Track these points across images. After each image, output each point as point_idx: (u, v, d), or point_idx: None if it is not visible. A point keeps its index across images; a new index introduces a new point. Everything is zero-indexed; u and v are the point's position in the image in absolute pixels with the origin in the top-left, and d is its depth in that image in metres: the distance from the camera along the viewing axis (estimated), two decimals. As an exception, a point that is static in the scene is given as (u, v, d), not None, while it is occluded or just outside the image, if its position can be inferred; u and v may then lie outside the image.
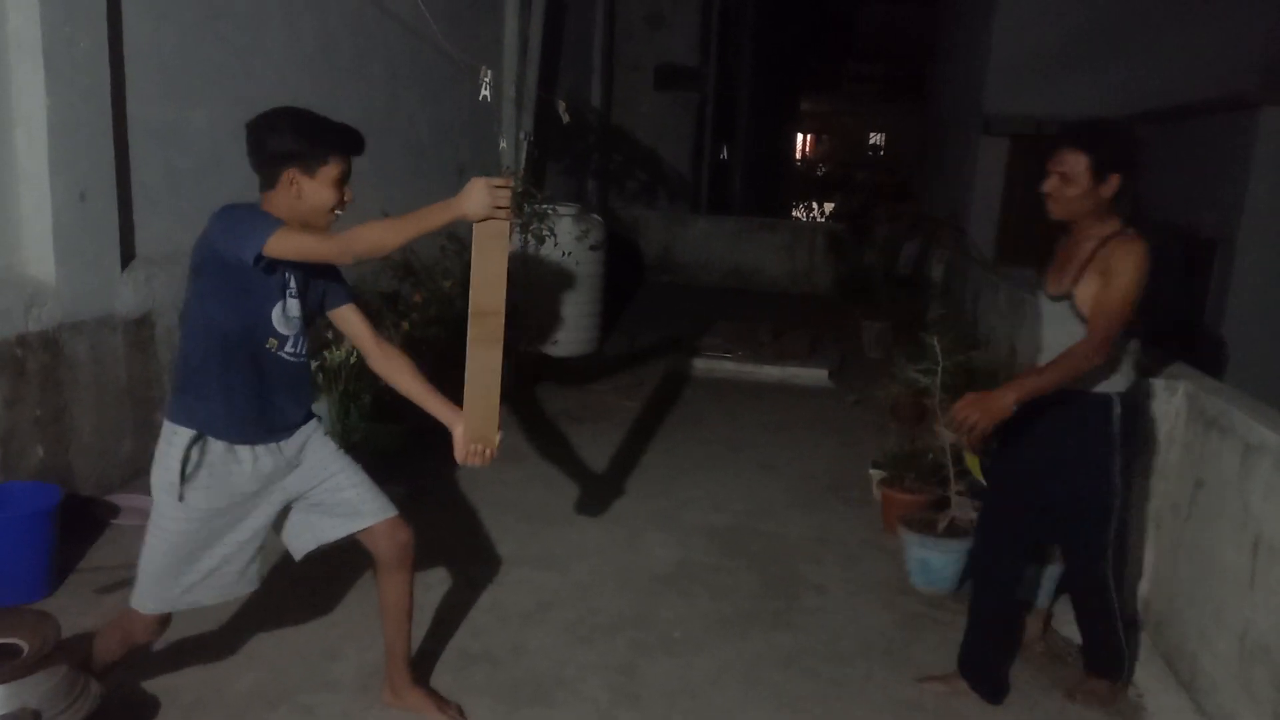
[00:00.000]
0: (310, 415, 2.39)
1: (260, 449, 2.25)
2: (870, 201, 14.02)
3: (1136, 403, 2.53)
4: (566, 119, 5.68)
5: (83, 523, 3.43)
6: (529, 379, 6.04)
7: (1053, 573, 3.15)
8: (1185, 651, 2.76)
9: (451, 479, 4.34)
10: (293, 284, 2.20)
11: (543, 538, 3.75)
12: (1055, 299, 2.50)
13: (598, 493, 4.26)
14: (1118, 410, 2.44)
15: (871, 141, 25.96)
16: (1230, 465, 2.55)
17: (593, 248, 6.72)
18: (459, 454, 2.29)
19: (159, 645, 2.71)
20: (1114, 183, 2.37)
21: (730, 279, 10.67)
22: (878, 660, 2.96)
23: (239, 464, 2.22)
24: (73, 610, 2.88)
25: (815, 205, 18.68)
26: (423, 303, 5.43)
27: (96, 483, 3.63)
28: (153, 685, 2.59)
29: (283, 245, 2.00)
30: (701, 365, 6.65)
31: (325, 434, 2.42)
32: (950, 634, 3.01)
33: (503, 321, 2.12)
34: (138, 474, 3.77)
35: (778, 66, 19.08)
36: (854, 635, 3.10)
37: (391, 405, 4.73)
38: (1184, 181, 6.65)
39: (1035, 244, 7.14)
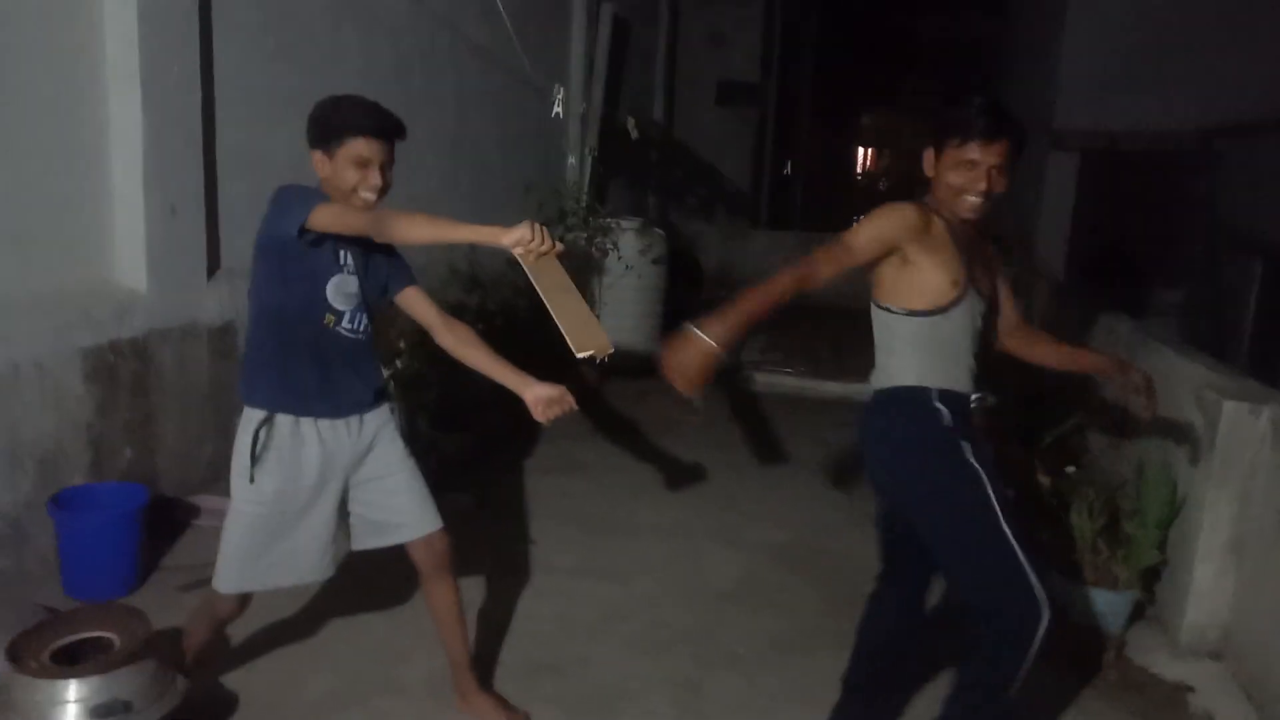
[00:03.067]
0: (380, 398, 2.43)
1: (325, 426, 2.30)
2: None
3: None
4: (635, 135, 5.75)
5: (166, 523, 3.55)
6: (591, 391, 6.10)
7: (1126, 599, 3.08)
8: (1266, 683, 2.67)
9: (516, 488, 4.41)
10: (348, 259, 2.26)
11: (606, 550, 3.78)
12: (989, 304, 2.23)
13: (660, 506, 4.28)
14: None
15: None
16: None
17: (655, 261, 6.78)
18: (537, 413, 2.30)
19: (236, 641, 2.81)
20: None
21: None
22: (941, 684, 2.92)
23: (305, 444, 2.28)
24: (155, 606, 2.96)
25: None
26: (487, 313, 5.53)
27: (179, 484, 3.76)
28: (231, 683, 2.68)
29: (321, 218, 2.07)
30: (762, 380, 6.64)
31: (396, 430, 2.46)
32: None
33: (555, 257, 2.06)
34: (217, 477, 3.89)
35: (838, 81, 18.97)
36: (916, 658, 3.06)
37: (458, 414, 4.84)
38: (1265, 197, 6.44)
39: (1106, 261, 7.01)
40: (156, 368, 3.62)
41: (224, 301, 3.95)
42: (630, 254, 6.52)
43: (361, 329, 2.32)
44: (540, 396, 2.30)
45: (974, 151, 2.09)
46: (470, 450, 4.69)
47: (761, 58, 12.63)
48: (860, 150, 26.74)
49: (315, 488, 2.31)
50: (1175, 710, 2.80)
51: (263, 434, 2.23)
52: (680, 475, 4.73)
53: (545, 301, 2.02)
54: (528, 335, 5.65)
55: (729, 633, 3.18)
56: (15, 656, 2.13)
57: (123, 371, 3.46)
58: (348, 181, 2.20)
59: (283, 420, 2.26)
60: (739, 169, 12.67)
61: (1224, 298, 6.60)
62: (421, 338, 4.62)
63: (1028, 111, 8.60)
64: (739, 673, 2.93)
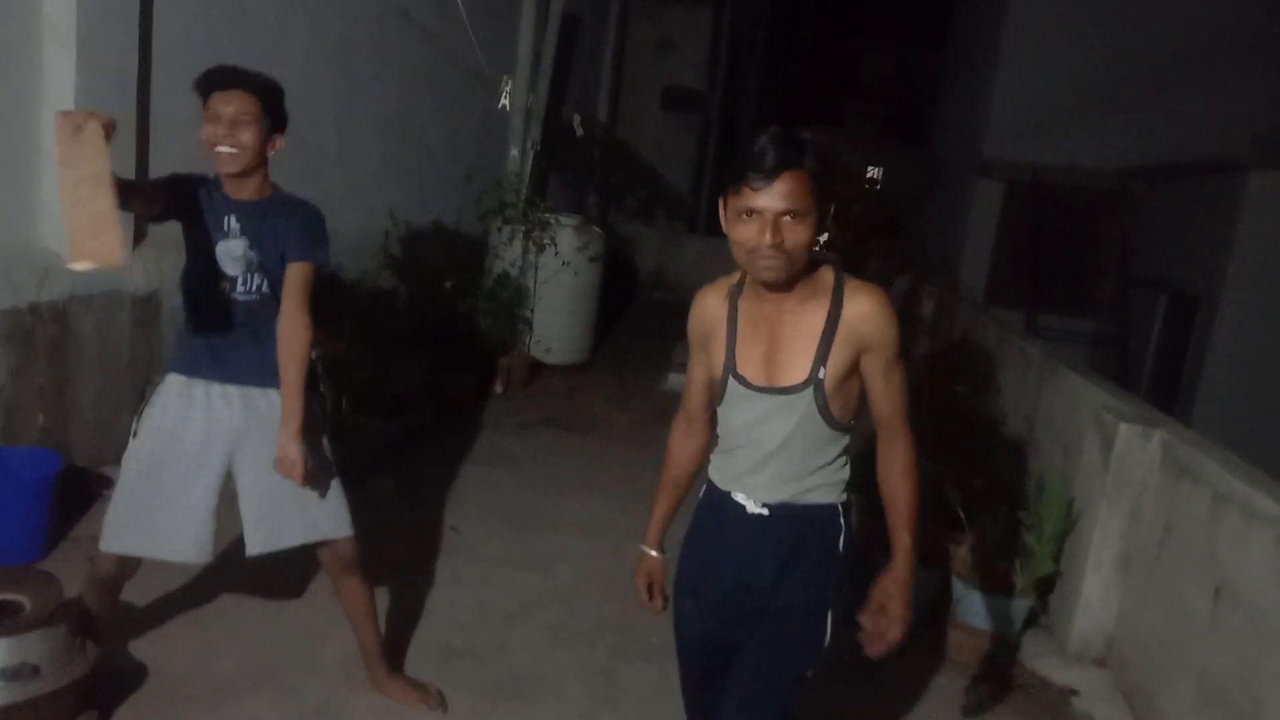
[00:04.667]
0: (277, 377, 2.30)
1: (215, 392, 2.31)
2: (863, 235, 14.20)
3: (851, 519, 1.85)
4: (580, 132, 5.79)
5: (77, 493, 3.47)
6: (521, 381, 6.12)
7: (1021, 605, 3.25)
8: (1145, 690, 2.86)
9: (442, 477, 4.41)
10: (232, 224, 2.28)
11: (529, 541, 3.82)
12: (781, 391, 1.72)
13: (585, 501, 4.33)
14: (844, 528, 1.81)
15: (870, 175, 26.26)
16: (1199, 512, 2.66)
17: (592, 259, 6.82)
18: (279, 463, 2.26)
19: (148, 612, 2.78)
20: (829, 211, 1.69)
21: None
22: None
23: (192, 408, 2.30)
24: (64, 575, 2.88)
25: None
26: (425, 300, 5.53)
27: (93, 455, 3.67)
28: (140, 653, 2.65)
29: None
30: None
31: (311, 426, 2.35)
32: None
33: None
34: (133, 450, 3.82)
35: (782, 97, 19.29)
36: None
37: (386, 400, 4.82)
38: (1173, 238, 6.82)
39: (1024, 287, 7.34)
40: (76, 334, 3.53)
41: (150, 271, 3.87)
42: (567, 250, 6.55)
43: (255, 291, 2.31)
44: (283, 446, 2.24)
45: (756, 197, 1.61)
46: (397, 437, 4.67)
47: (708, 67, 12.79)
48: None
49: (196, 457, 2.29)
50: (1059, 713, 2.97)
51: (153, 392, 2.31)
52: (605, 471, 4.80)
53: (60, 192, 1.83)
54: (457, 331, 5.68)
55: (645, 624, 3.25)
56: (-83, 618, 2.08)
57: (40, 336, 3.36)
58: (207, 141, 2.23)
59: (174, 379, 2.32)
60: (680, 174, 12.80)
61: (1130, 330, 6.97)
62: (346, 320, 4.61)
63: (960, 142, 8.97)
64: (653, 662, 3.00)
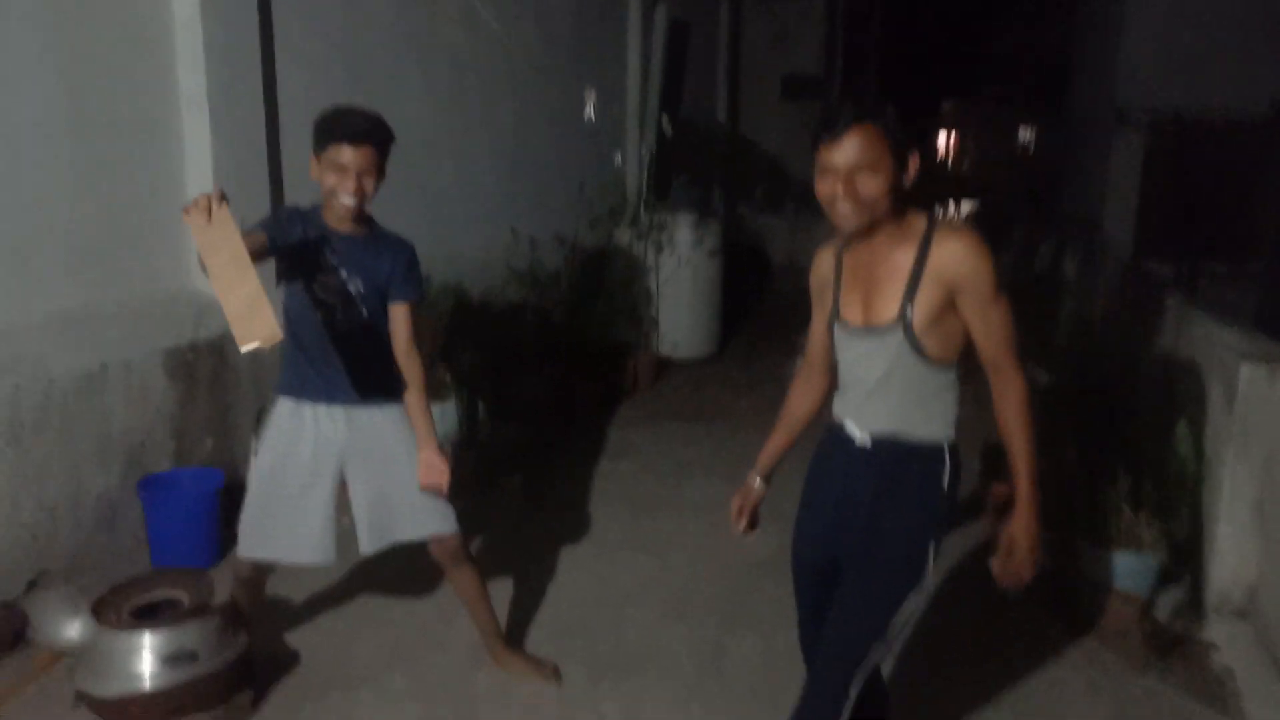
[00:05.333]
0: (389, 394, 2.54)
1: (321, 411, 2.49)
2: (1010, 201, 13.56)
3: (960, 458, 1.92)
4: (669, 132, 5.91)
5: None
6: (648, 379, 6.28)
7: (1152, 561, 3.09)
8: (1288, 641, 2.67)
9: (567, 470, 4.62)
10: (332, 259, 2.40)
11: (648, 525, 3.96)
12: (875, 329, 1.84)
13: (704, 486, 4.42)
14: (948, 465, 1.89)
15: (1021, 140, 25.00)
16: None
17: (711, 254, 6.91)
18: (420, 474, 2.50)
19: (299, 605, 3.10)
20: (914, 164, 1.79)
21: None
22: (968, 648, 3.00)
23: (303, 426, 2.49)
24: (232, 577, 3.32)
25: (955, 205, 18.16)
26: (545, 310, 5.78)
27: (256, 474, 4.10)
28: (294, 644, 2.96)
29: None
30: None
31: (410, 434, 2.54)
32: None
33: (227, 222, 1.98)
34: (291, 467, 4.23)
35: (908, 76, 18.65)
36: (943, 626, 3.13)
37: (517, 408, 5.09)
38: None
39: (1175, 237, 6.82)
40: (232, 365, 3.96)
41: (293, 304, 4.28)
42: (685, 248, 6.67)
43: (353, 320, 2.45)
44: (429, 460, 2.50)
45: (833, 152, 1.76)
46: (526, 437, 4.93)
47: (825, 53, 12.62)
48: (940, 135, 26.22)
49: (309, 470, 2.49)
50: (1197, 668, 2.82)
51: (269, 414, 2.52)
52: (726, 457, 4.87)
53: (211, 280, 1.95)
54: (581, 333, 5.90)
55: (757, 598, 3.32)
56: (99, 612, 2.43)
57: (201, 369, 3.80)
58: (327, 187, 2.36)
59: (283, 402, 2.51)
60: (807, 161, 12.65)
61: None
62: (475, 333, 4.90)
63: (1094, 96, 8.43)
64: (760, 635, 3.06)
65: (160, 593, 2.56)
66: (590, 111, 5.04)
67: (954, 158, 26.01)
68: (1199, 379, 3.34)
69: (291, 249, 2.38)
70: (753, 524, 2.21)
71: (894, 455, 1.88)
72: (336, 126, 2.34)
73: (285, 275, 2.44)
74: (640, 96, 8.00)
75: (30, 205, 3.20)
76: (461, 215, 5.60)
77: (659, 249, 6.67)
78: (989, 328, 1.78)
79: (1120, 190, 7.35)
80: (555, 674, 2.79)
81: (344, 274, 2.42)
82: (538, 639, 3.05)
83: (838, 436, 1.98)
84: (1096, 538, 3.15)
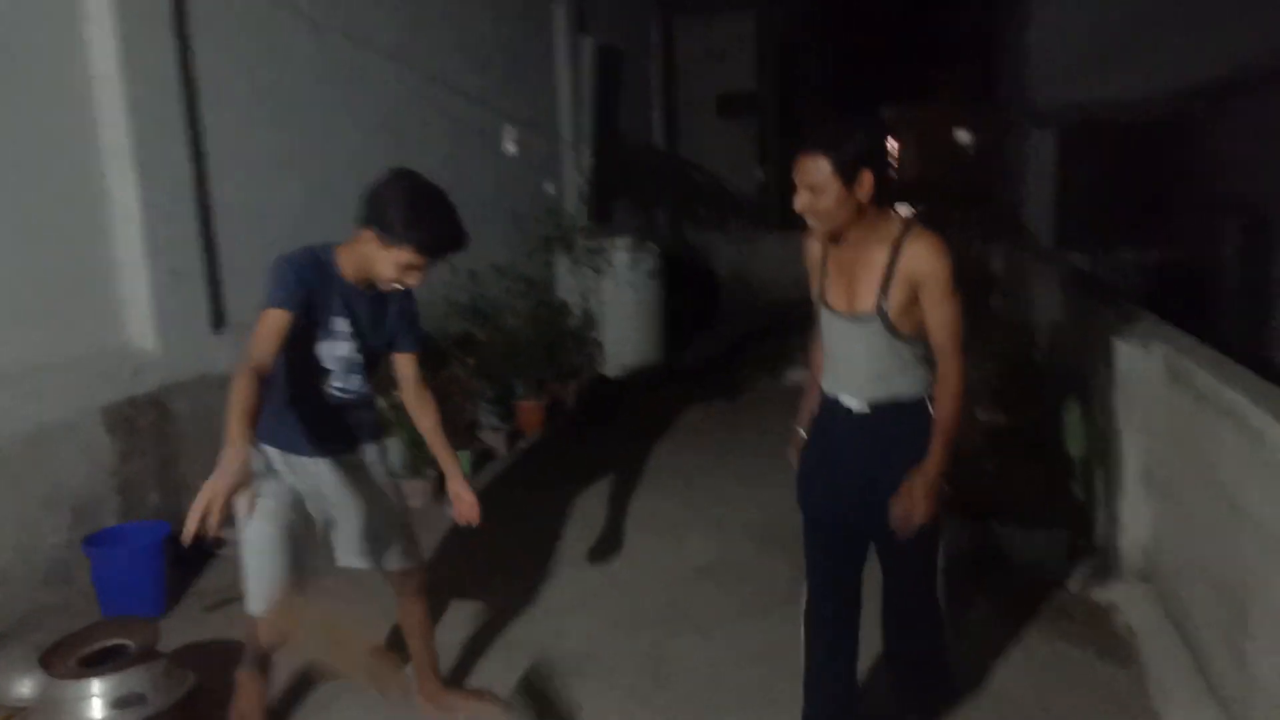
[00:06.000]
0: (372, 438, 2.58)
1: (307, 460, 2.46)
2: (945, 204, 13.90)
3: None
4: (514, 150, 6.12)
5: (194, 554, 3.95)
6: (593, 402, 6.42)
7: (1060, 535, 3.28)
8: (1178, 598, 2.85)
9: (515, 495, 4.73)
10: (339, 326, 2.36)
11: (592, 539, 4.08)
12: (858, 317, 2.19)
13: (649, 500, 4.56)
14: (931, 412, 2.23)
15: (960, 142, 25.54)
16: (1187, 414, 2.67)
17: (649, 275, 7.08)
18: (455, 508, 2.61)
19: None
20: (867, 181, 2.07)
21: (801, 288, 10.80)
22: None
23: (293, 473, 2.45)
24: (183, 625, 3.39)
25: (901, 209, 18.53)
26: (489, 341, 5.90)
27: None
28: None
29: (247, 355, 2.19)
30: (766, 378, 6.89)
31: (387, 472, 2.63)
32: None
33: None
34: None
35: (853, 78, 19.02)
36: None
37: (459, 432, 5.19)
38: (1243, 158, 6.50)
39: (1090, 228, 7.13)
40: (174, 417, 4.04)
41: (233, 352, 4.33)
42: (623, 270, 6.84)
43: (354, 389, 2.46)
44: (457, 493, 2.61)
45: (795, 173, 2.12)
46: (471, 465, 5.03)
47: (759, 69, 12.92)
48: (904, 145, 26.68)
49: (301, 509, 2.46)
50: (1101, 628, 3.00)
51: (260, 462, 2.37)
52: (670, 472, 5.01)
53: (331, 667, 2.06)
54: (528, 359, 6.02)
55: (699, 604, 3.46)
56: (48, 664, 2.51)
57: (142, 423, 3.88)
58: (386, 274, 2.30)
59: (271, 452, 2.42)
60: (746, 177, 12.95)
61: (1203, 256, 6.67)
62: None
63: (1011, 92, 8.78)
64: (701, 636, 3.20)
65: (107, 641, 2.63)
66: (510, 145, 5.17)
67: (896, 163, 26.51)
68: (1097, 360, 3.56)
69: (304, 317, 2.27)
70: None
71: (888, 415, 2.23)
72: (435, 242, 2.28)
73: (289, 339, 2.25)
74: (572, 124, 8.18)
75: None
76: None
77: (598, 273, 6.83)
78: (941, 319, 2.13)
79: (1039, 185, 7.66)
80: (493, 700, 2.86)
81: (353, 336, 2.39)
82: (480, 652, 3.15)
83: (833, 408, 2.31)
84: (1008, 516, 3.33)
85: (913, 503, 2.15)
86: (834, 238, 2.18)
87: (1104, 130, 7.12)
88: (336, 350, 2.40)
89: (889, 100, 23.87)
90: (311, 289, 2.29)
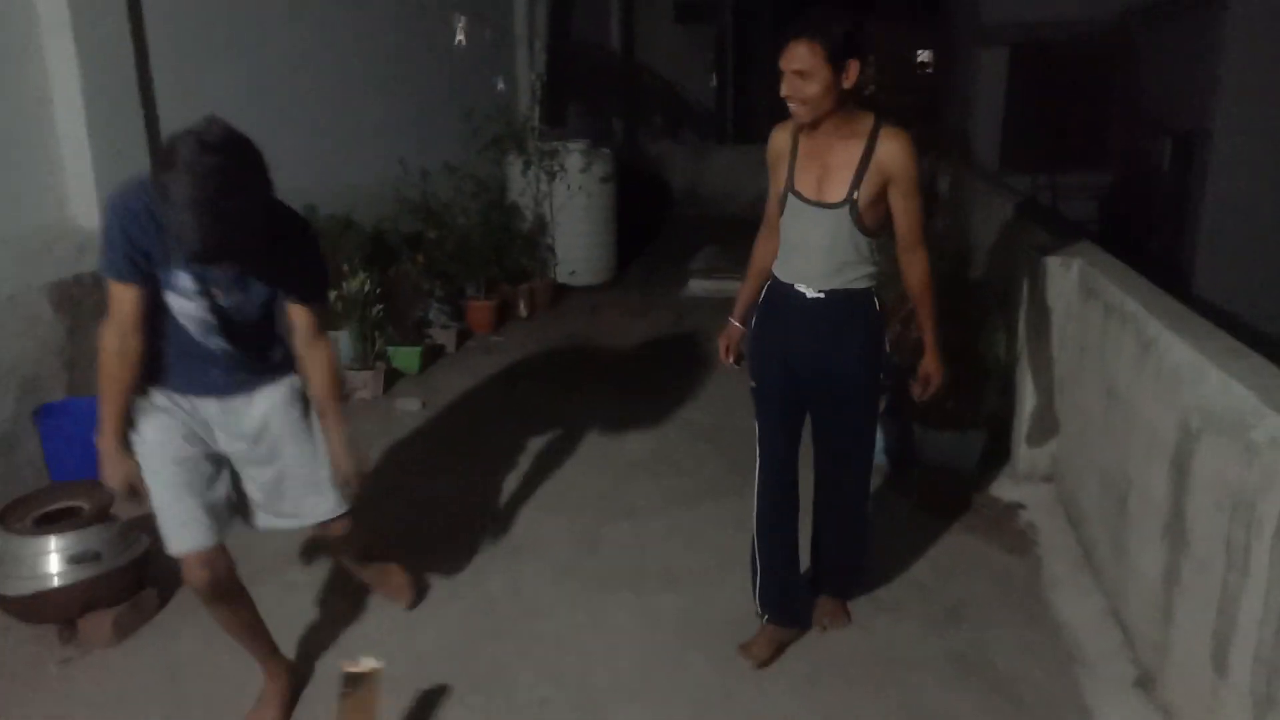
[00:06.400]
0: (273, 375, 2.28)
1: (196, 401, 2.21)
2: (906, 122, 13.96)
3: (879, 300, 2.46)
4: (462, 41, 6.05)
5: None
6: (545, 304, 6.51)
7: (976, 438, 3.52)
8: (1074, 495, 3.12)
9: (463, 390, 4.85)
10: (182, 282, 2.03)
11: (536, 435, 4.23)
12: (827, 205, 2.28)
13: (593, 399, 4.71)
14: (876, 304, 2.41)
15: (915, 61, 25.41)
16: (1095, 326, 2.88)
17: (603, 180, 7.09)
18: (336, 474, 2.32)
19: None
20: (853, 70, 2.15)
21: (756, 207, 10.87)
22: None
23: (179, 409, 2.20)
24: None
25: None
26: (438, 239, 5.91)
27: (153, 402, 4.21)
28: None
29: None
30: (710, 286, 7.03)
31: (301, 416, 2.32)
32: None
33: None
34: (188, 395, 4.35)
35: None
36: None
37: (407, 330, 5.27)
38: (1173, 78, 6.68)
39: (1035, 151, 7.30)
40: (120, 297, 4.04)
41: (179, 236, 4.34)
42: (575, 175, 6.85)
43: (217, 348, 2.15)
44: (336, 462, 2.30)
45: (782, 60, 2.19)
46: (421, 360, 5.13)
47: (719, -27, 12.71)
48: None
49: (198, 441, 2.22)
50: (1006, 525, 3.27)
51: (138, 409, 2.18)
52: (616, 373, 5.17)
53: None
54: (478, 260, 6.06)
55: (632, 491, 3.65)
56: (4, 521, 2.60)
57: (87, 302, 3.87)
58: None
59: (153, 393, 2.19)
60: (703, 87, 12.85)
61: (1142, 177, 6.89)
62: (365, 262, 5.02)
63: (963, 10, 8.79)
64: (634, 520, 3.40)
65: (61, 502, 2.73)
66: (461, 37, 5.10)
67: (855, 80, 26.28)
68: (1023, 278, 3.75)
69: (149, 259, 1.98)
70: (738, 359, 2.66)
71: (840, 303, 2.36)
72: (188, 255, 1.87)
73: (159, 283, 2.04)
74: (526, 20, 8.03)
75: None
76: (347, 147, 5.63)
77: (551, 176, 6.84)
78: (909, 212, 2.29)
79: (986, 107, 7.77)
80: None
81: (200, 294, 2.05)
82: (425, 539, 3.31)
83: (786, 293, 2.43)
84: (930, 420, 3.56)
85: (931, 382, 2.45)
86: (813, 126, 2.24)
87: (1051, 51, 7.20)
88: (186, 308, 2.06)
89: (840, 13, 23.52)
90: (144, 242, 1.96)
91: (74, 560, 2.55)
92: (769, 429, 2.55)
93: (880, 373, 2.49)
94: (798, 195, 2.33)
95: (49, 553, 2.55)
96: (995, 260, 4.68)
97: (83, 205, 3.90)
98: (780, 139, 2.40)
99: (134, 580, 2.69)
